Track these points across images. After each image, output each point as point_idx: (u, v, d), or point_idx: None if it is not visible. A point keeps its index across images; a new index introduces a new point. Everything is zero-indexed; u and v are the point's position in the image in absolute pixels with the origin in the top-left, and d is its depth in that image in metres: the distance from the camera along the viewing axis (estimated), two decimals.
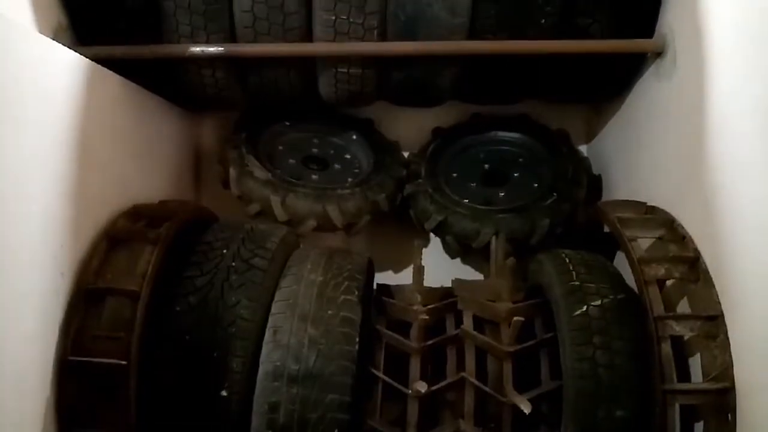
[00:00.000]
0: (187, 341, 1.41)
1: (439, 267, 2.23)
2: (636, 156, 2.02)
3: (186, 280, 1.50)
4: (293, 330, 1.45)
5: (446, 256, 2.48)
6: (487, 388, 1.50)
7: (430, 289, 1.75)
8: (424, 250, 2.42)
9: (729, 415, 1.33)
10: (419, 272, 1.72)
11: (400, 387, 1.52)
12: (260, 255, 1.57)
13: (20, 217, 1.27)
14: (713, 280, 1.44)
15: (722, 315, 1.38)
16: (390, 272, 2.46)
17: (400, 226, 2.36)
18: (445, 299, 1.70)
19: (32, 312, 1.30)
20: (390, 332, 1.60)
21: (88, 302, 1.43)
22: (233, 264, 1.53)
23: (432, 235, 2.36)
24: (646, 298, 1.43)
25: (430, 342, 1.58)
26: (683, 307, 1.53)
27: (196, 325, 1.43)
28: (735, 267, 1.38)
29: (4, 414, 1.22)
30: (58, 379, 1.35)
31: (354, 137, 2.36)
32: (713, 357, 1.38)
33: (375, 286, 1.81)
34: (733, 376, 1.33)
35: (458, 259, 2.50)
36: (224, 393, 1.39)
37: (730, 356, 1.34)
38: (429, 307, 1.64)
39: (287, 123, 2.33)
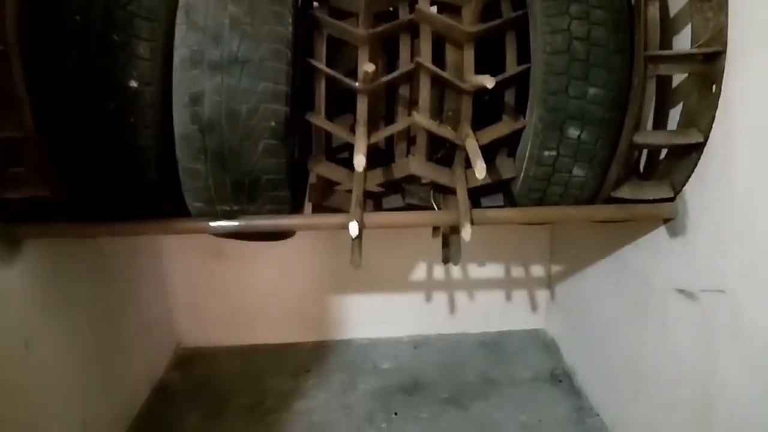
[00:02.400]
0: (78, 22, 1.14)
1: None
2: None
3: None
4: (210, 9, 1.18)
5: None
6: (444, 74, 1.31)
7: None
8: None
9: (714, 85, 1.19)
10: None
11: (345, 80, 1.32)
12: None
13: None
14: None
15: None
16: None
17: None
18: None
19: None
20: (332, 19, 1.35)
21: None
22: None
23: None
24: None
25: (379, 29, 1.34)
26: None
27: (86, 3, 1.14)
28: None
29: None
30: None
31: None
32: (706, 20, 1.19)
33: None
34: (726, 40, 1.16)
35: None
36: (134, 83, 1.17)
37: (726, 17, 1.16)
38: None
39: None
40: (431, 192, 1.49)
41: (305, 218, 1.42)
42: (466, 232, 1.29)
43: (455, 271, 2.39)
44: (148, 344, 2.11)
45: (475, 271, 2.40)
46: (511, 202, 1.43)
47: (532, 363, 2.24)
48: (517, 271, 2.42)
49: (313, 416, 1.96)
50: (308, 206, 1.52)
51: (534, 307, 2.47)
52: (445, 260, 1.66)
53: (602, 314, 1.88)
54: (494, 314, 2.46)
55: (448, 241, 1.63)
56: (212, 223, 1.33)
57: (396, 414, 1.96)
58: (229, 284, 2.33)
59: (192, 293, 2.33)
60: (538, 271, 2.42)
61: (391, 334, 2.44)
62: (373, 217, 1.36)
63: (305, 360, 2.29)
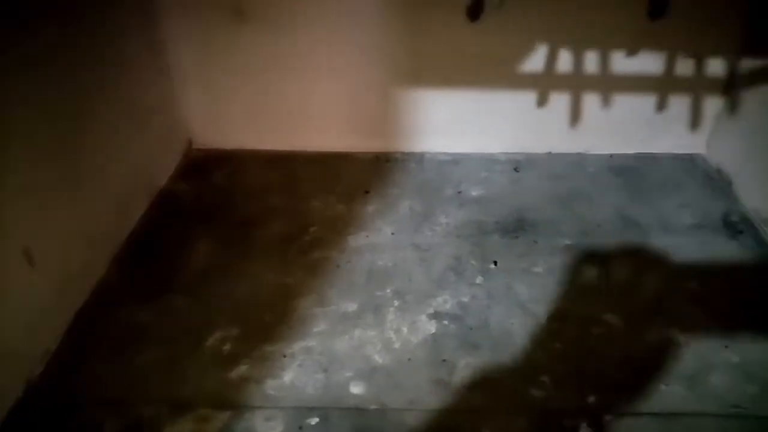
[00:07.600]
0: None
1: None
2: None
3: None
4: None
5: None
6: None
7: None
8: None
9: None
10: None
11: None
12: None
13: None
14: None
15: None
16: None
17: None
18: None
19: None
20: None
21: None
22: None
23: None
24: None
25: None
26: None
27: None
28: None
29: None
30: None
31: None
32: None
33: None
34: None
35: None
36: None
37: None
38: None
39: None
40: None
41: None
42: None
43: (588, 60, 1.59)
44: (143, 140, 1.47)
45: (617, 62, 1.59)
46: None
47: (693, 202, 1.54)
48: (681, 66, 1.61)
49: (375, 258, 1.35)
50: None
51: (694, 122, 1.70)
52: None
53: None
54: (631, 129, 1.72)
55: None
56: None
57: (496, 264, 1.34)
58: (256, 63, 1.60)
59: (205, 74, 1.63)
60: (714, 67, 1.60)
61: (482, 148, 1.75)
62: None
63: (362, 178, 1.64)
